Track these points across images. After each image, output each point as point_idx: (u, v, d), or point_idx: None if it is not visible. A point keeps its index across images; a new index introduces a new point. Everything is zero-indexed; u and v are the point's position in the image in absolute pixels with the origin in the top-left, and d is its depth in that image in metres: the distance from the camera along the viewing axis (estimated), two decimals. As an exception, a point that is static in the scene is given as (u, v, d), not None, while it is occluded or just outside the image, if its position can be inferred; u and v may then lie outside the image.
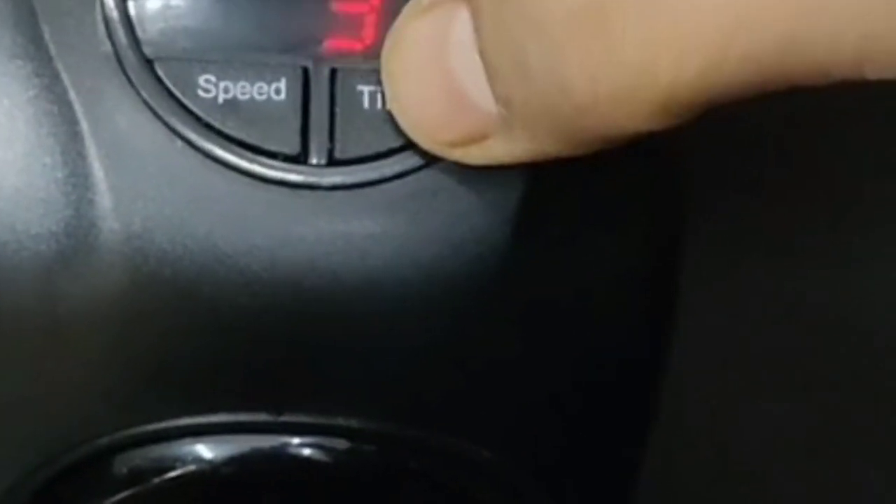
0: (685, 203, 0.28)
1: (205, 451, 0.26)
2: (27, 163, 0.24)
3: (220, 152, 0.24)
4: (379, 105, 0.24)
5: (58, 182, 0.24)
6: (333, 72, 0.25)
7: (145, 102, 0.24)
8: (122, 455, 0.26)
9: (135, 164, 0.24)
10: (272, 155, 0.24)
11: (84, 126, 0.24)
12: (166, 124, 0.24)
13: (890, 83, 0.20)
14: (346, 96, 0.25)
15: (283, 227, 0.24)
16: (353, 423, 0.26)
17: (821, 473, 0.39)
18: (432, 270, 0.25)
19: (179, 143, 0.24)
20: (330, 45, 0.25)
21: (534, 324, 0.26)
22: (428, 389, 0.26)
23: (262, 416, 0.26)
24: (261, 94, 0.24)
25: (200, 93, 0.24)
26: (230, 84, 0.24)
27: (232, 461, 0.26)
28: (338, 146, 0.25)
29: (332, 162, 0.25)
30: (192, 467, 0.26)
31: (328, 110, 0.25)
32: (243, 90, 0.24)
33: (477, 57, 0.22)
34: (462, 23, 0.23)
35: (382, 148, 0.25)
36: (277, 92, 0.24)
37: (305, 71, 0.25)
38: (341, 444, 0.26)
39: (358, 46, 0.25)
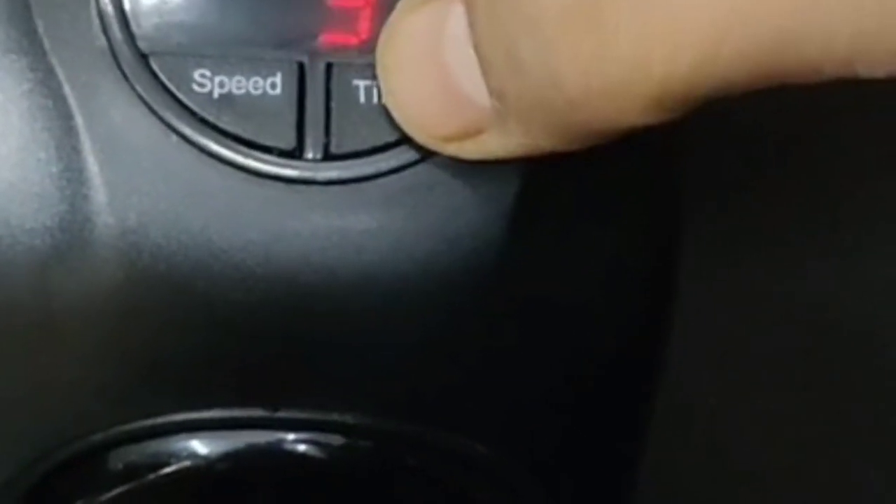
0: (682, 200, 0.28)
1: (200, 446, 0.26)
2: (21, 157, 0.24)
3: (215, 147, 0.24)
4: (375, 100, 0.24)
5: (52, 177, 0.24)
6: (329, 66, 0.25)
7: (140, 97, 0.24)
8: (117, 451, 0.26)
9: (129, 158, 0.24)
10: (267, 150, 0.24)
11: (79, 121, 0.24)
12: (161, 119, 0.24)
13: (885, 81, 0.20)
14: (341, 91, 0.25)
15: (279, 222, 0.24)
16: (349, 418, 0.26)
17: (821, 473, 0.39)
18: (428, 265, 0.25)
19: (174, 137, 0.24)
20: (325, 39, 0.25)
21: (530, 320, 0.26)
22: (424, 385, 0.26)
23: (257, 412, 0.26)
24: (256, 88, 0.24)
25: (195, 87, 0.24)
26: (225, 79, 0.24)
27: (227, 457, 0.26)
28: (333, 141, 0.25)
29: (328, 157, 0.24)
30: (187, 463, 0.26)
31: (324, 105, 0.24)
32: (238, 85, 0.24)
33: (471, 51, 0.22)
34: (456, 17, 0.23)
35: (378, 143, 0.25)
36: (273, 87, 0.24)
37: (301, 66, 0.25)
38: (337, 439, 0.26)
39: (353, 41, 0.25)
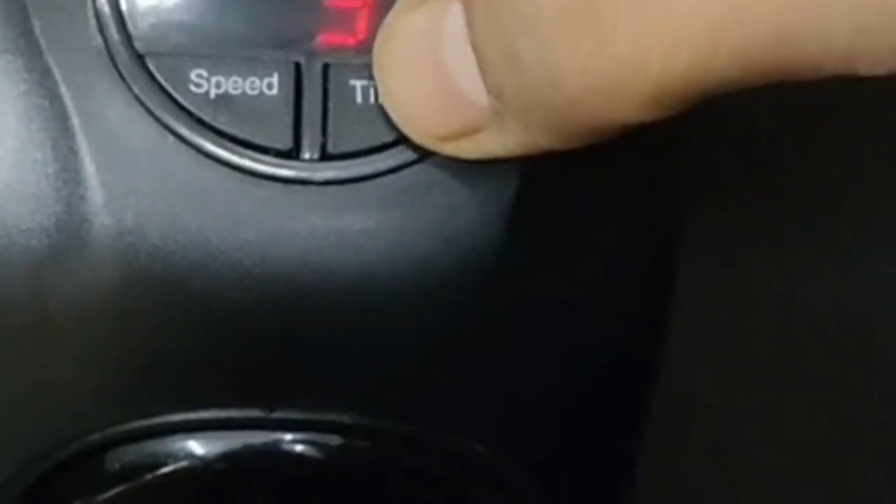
0: (681, 198, 0.28)
1: (197, 447, 0.26)
2: (18, 158, 0.24)
3: (211, 147, 0.24)
4: (371, 100, 0.24)
5: (49, 177, 0.24)
6: (326, 67, 0.25)
7: (136, 97, 0.24)
8: (114, 451, 0.26)
9: (126, 159, 0.24)
10: (264, 150, 0.24)
11: (75, 121, 0.24)
12: (158, 119, 0.24)
13: (884, 78, 0.20)
14: (338, 91, 0.25)
15: (276, 223, 0.24)
16: (346, 418, 0.26)
17: (821, 473, 0.39)
18: (426, 265, 0.25)
19: (171, 138, 0.24)
20: (322, 40, 0.25)
21: (527, 320, 0.26)
22: (421, 385, 0.26)
23: (254, 412, 0.26)
24: (253, 89, 0.24)
25: (192, 88, 0.24)
26: (222, 79, 0.24)
27: (224, 457, 0.26)
28: (330, 141, 0.24)
29: (325, 157, 0.24)
30: (184, 463, 0.26)
31: (321, 105, 0.24)
32: (235, 85, 0.24)
33: (469, 50, 0.22)
34: (454, 16, 0.23)
35: (375, 143, 0.25)
36: (270, 87, 0.24)
37: (298, 66, 0.25)
38: (334, 440, 0.26)
39: (351, 41, 0.25)
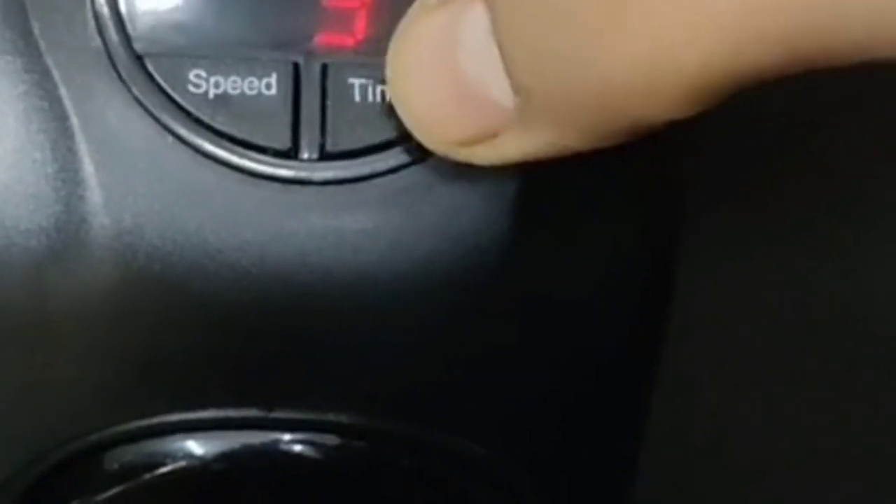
0: (686, 197, 0.28)
1: (195, 447, 0.26)
2: (17, 158, 0.24)
3: (210, 147, 0.24)
4: (370, 99, 0.24)
5: (48, 178, 0.24)
6: (324, 67, 0.25)
7: (135, 98, 0.24)
8: (113, 451, 0.26)
9: (125, 159, 0.24)
10: (263, 150, 0.24)
11: (74, 122, 0.24)
12: (157, 120, 0.24)
13: (884, 77, 0.19)
14: (337, 91, 0.25)
15: (274, 223, 0.24)
16: (345, 419, 0.26)
17: (821, 473, 0.39)
18: (425, 266, 0.25)
19: (170, 138, 0.24)
20: (321, 40, 0.25)
21: (527, 320, 0.26)
22: (420, 385, 0.26)
23: (252, 412, 0.26)
24: (251, 89, 0.24)
25: (191, 88, 0.24)
26: (221, 79, 0.24)
27: (223, 457, 0.26)
28: (329, 141, 0.24)
29: (324, 156, 0.24)
30: (182, 463, 0.26)
31: (319, 105, 0.24)
32: (234, 85, 0.24)
33: (493, 50, 0.22)
34: (475, 17, 0.22)
35: (374, 142, 0.25)
36: (268, 87, 0.24)
37: (296, 66, 0.25)
38: (332, 440, 0.26)
39: (349, 41, 0.25)
